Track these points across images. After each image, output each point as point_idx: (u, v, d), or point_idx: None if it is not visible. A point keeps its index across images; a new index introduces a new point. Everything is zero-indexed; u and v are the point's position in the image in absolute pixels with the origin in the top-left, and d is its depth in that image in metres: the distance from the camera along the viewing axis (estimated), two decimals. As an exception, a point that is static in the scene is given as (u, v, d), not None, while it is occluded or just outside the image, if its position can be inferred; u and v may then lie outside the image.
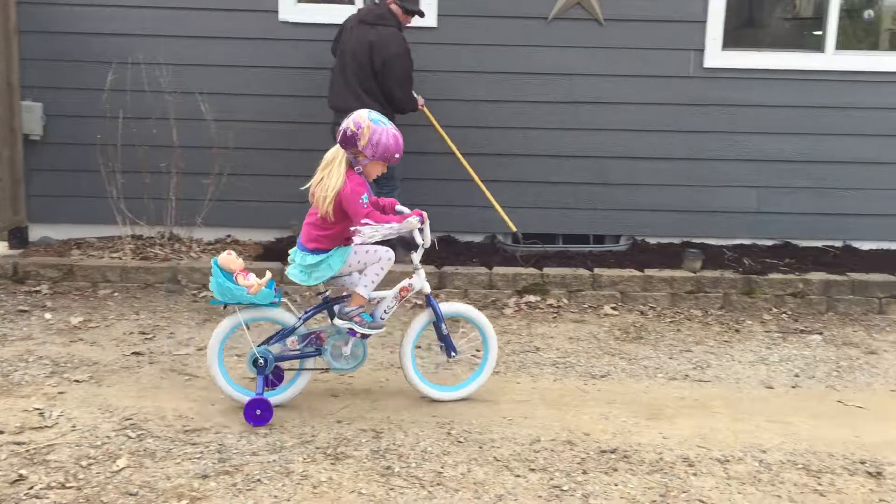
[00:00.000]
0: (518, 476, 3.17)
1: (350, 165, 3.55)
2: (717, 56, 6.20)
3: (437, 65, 6.07)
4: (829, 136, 6.30)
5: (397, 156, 3.57)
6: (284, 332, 3.65)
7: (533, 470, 3.22)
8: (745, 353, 4.70)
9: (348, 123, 3.51)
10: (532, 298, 5.44)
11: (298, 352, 3.66)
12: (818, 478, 3.25)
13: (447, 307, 3.86)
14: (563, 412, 3.81)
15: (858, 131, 6.28)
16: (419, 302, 5.00)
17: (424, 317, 3.82)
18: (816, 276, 5.54)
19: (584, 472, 3.21)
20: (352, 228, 3.49)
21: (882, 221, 6.36)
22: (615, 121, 6.30)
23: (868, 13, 6.47)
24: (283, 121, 6.23)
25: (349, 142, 3.51)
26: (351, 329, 3.63)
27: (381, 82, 5.50)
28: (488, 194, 5.97)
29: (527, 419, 3.71)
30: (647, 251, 6.18)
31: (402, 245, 4.18)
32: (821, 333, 5.06)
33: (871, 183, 6.33)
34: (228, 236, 6.36)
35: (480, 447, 3.40)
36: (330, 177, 3.49)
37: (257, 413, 3.51)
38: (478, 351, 4.00)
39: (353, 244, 3.58)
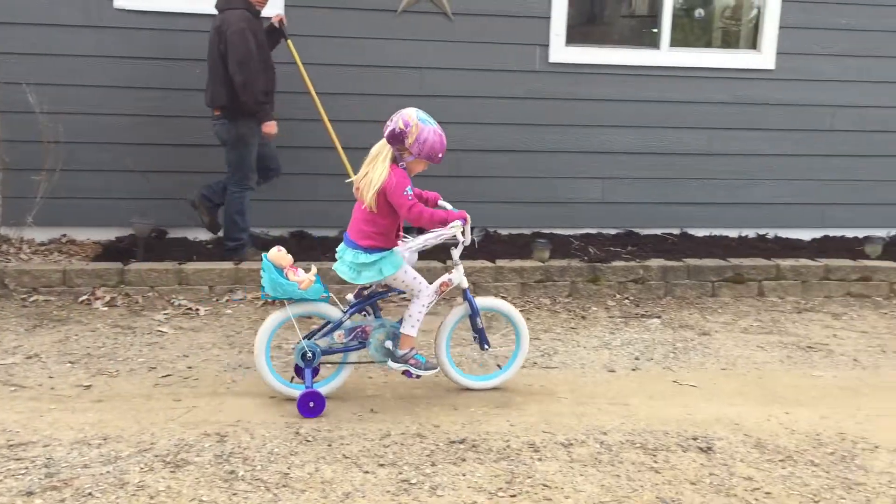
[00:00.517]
0: (367, 472, 3.15)
1: (394, 160, 3.61)
2: (561, 51, 6.39)
3: (284, 56, 5.94)
4: (665, 128, 6.62)
5: (440, 155, 3.66)
6: (332, 327, 3.72)
7: (382, 465, 3.21)
8: (590, 338, 4.88)
9: (397, 121, 3.59)
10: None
11: (343, 345, 3.74)
12: (654, 455, 3.40)
13: (482, 301, 3.98)
14: (415, 405, 3.82)
15: (691, 124, 6.64)
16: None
17: (460, 310, 3.93)
18: (655, 262, 5.82)
19: (433, 465, 3.23)
20: (399, 241, 3.64)
21: (714, 209, 6.76)
22: (466, 114, 6.37)
23: (699, 12, 6.84)
24: (122, 113, 5.93)
25: (397, 139, 3.58)
26: (407, 371, 3.75)
27: (227, 69, 5.33)
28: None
29: (378, 414, 3.70)
30: (499, 242, 6.29)
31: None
32: (659, 317, 5.32)
33: (704, 173, 6.71)
34: (64, 236, 6.00)
35: (329, 445, 3.36)
36: (374, 170, 3.56)
37: (311, 405, 3.60)
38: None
39: (405, 258, 3.69)
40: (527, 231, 6.56)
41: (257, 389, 3.84)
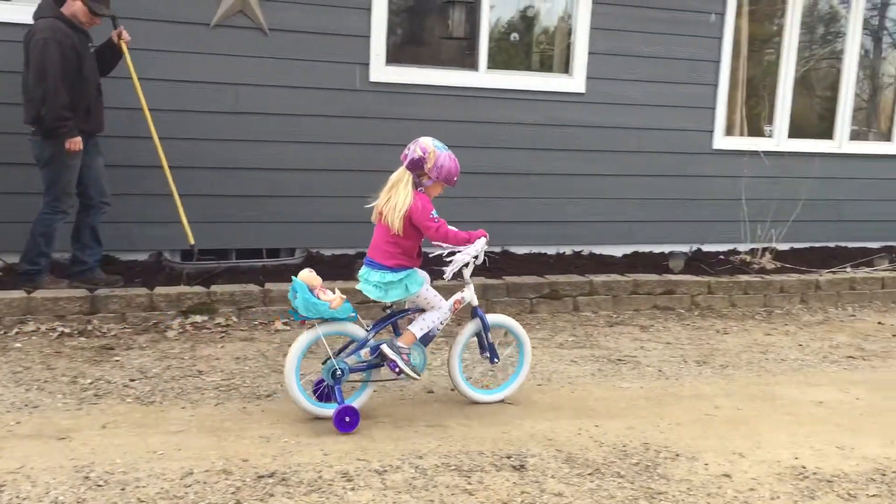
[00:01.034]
0: (164, 516, 2.93)
1: (414, 185, 3.80)
2: (381, 71, 6.37)
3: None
4: (486, 149, 6.74)
5: (455, 178, 3.89)
6: (358, 345, 3.84)
7: (182, 507, 3.00)
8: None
9: (414, 149, 3.80)
10: (198, 318, 5.16)
11: (368, 363, 3.85)
12: (469, 477, 3.39)
13: (492, 318, 4.19)
14: (222, 439, 3.61)
15: (510, 145, 6.80)
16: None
17: (471, 327, 4.13)
18: (476, 280, 5.88)
19: (238, 503, 3.05)
20: (445, 258, 3.87)
21: (534, 228, 6.95)
22: (286, 133, 6.22)
23: (514, 35, 7.04)
24: None
25: (416, 165, 3.79)
26: (394, 361, 3.81)
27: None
28: (180, 208, 5.55)
29: (181, 451, 3.46)
30: (321, 263, 6.16)
31: None
32: (480, 335, 5.37)
33: (523, 192, 6.89)
34: None
35: (123, 489, 3.10)
36: (398, 196, 3.76)
37: (346, 420, 3.69)
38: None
39: (426, 278, 3.92)
40: (351, 251, 6.47)
41: (46, 430, 3.50)
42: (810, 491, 3.45)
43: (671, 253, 6.92)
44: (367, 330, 3.88)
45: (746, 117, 7.67)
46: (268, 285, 5.44)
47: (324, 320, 3.73)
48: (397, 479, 3.33)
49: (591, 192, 7.08)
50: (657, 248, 7.27)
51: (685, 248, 7.28)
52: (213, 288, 5.34)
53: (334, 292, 3.77)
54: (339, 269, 5.93)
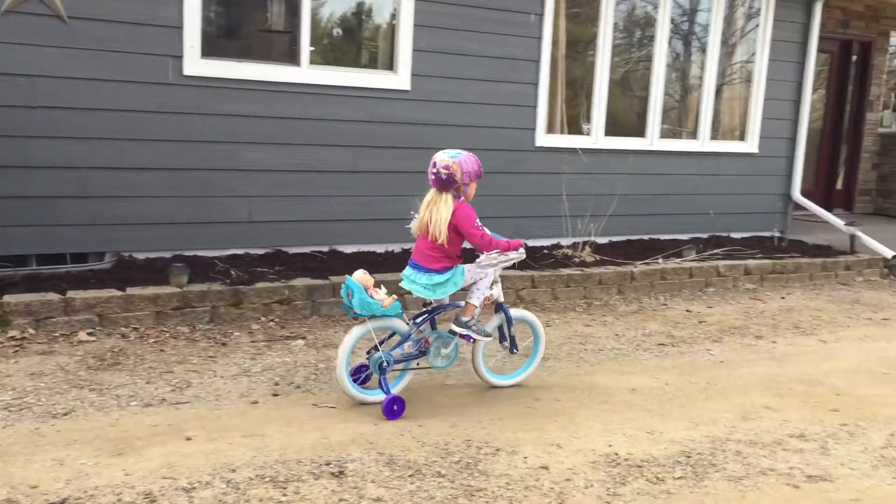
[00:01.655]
0: (-68, 558, 2.61)
1: (454, 196, 4.11)
2: (196, 64, 6.06)
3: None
4: (311, 146, 6.58)
5: (481, 169, 4.19)
6: (402, 339, 4.18)
7: (-46, 546, 2.68)
8: (229, 366, 4.62)
9: (439, 170, 4.07)
10: (-11, 332, 4.71)
11: (409, 355, 4.20)
12: (284, 488, 3.25)
13: (515, 313, 4.57)
14: (10, 464, 3.28)
15: (336, 142, 6.68)
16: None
17: (496, 320, 4.50)
18: (301, 281, 5.72)
19: (22, 535, 2.77)
20: (483, 257, 4.24)
21: (362, 226, 6.86)
22: (93, 128, 5.79)
23: (337, 31, 6.92)
24: None
25: (450, 181, 4.08)
26: (467, 335, 4.25)
27: None
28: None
29: (-42, 482, 3.11)
30: (133, 267, 5.79)
31: None
32: (304, 338, 5.22)
33: (350, 190, 6.79)
34: None
35: None
36: (439, 211, 4.08)
37: (395, 408, 4.01)
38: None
39: (464, 264, 4.23)
40: (167, 254, 6.13)
41: None
42: (622, 477, 3.56)
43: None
44: (408, 325, 4.23)
45: (567, 116, 7.93)
46: (70, 293, 5.04)
47: (374, 317, 4.08)
48: (206, 495, 3.14)
49: (418, 190, 7.00)
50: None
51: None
52: (6, 298, 4.87)
53: (381, 290, 4.15)
54: (154, 274, 5.59)
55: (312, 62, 6.53)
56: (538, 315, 6.01)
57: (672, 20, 8.30)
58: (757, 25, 8.73)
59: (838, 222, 8.86)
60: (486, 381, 4.57)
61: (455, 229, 4.09)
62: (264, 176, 6.43)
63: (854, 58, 11.33)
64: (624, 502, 3.34)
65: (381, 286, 4.18)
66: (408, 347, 4.20)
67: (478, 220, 4.14)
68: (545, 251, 7.38)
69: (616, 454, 3.80)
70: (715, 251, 7.76)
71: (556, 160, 7.61)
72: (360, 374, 4.26)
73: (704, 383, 4.89)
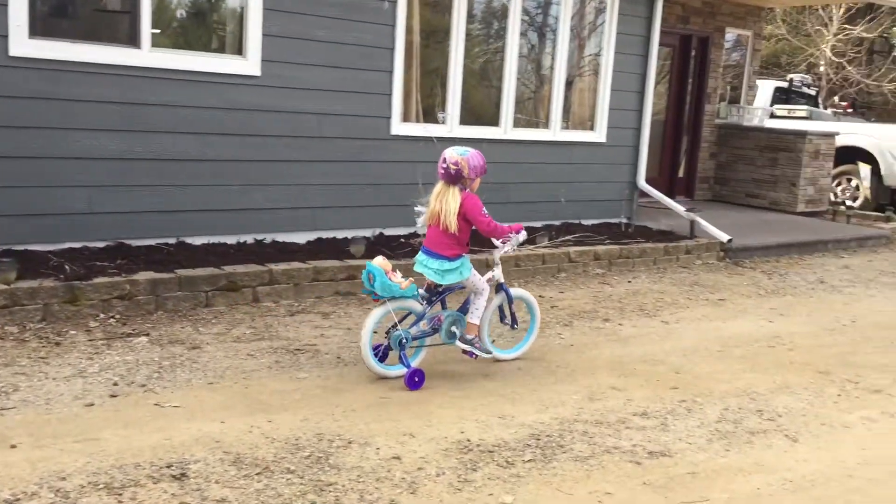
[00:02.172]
0: None
1: (461, 188, 4.54)
2: (24, 44, 5.63)
3: None
4: (155, 133, 6.26)
5: (486, 168, 4.62)
6: (418, 318, 4.59)
7: None
8: (63, 367, 4.33)
9: (448, 165, 4.51)
10: None
11: (423, 332, 4.61)
12: (120, 494, 3.07)
13: (514, 292, 5.04)
14: None
15: (183, 129, 6.38)
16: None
17: (498, 300, 4.94)
18: (144, 275, 5.44)
19: None
20: (496, 243, 4.76)
21: (212, 216, 6.60)
22: None
23: (182, 12, 6.61)
24: None
25: (458, 176, 4.52)
26: (471, 352, 4.71)
27: None
28: None
29: None
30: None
31: None
32: (147, 335, 4.97)
33: (199, 179, 6.51)
34: None
35: None
36: (447, 202, 4.50)
37: (416, 379, 4.43)
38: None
39: (471, 268, 4.70)
40: (-4, 248, 5.68)
41: None
42: (473, 463, 3.59)
43: (353, 238, 6.96)
44: (423, 305, 4.63)
45: (423, 104, 7.93)
46: None
47: (393, 298, 4.45)
48: (32, 507, 2.92)
49: (272, 179, 6.88)
50: (341, 234, 7.27)
51: (368, 233, 7.36)
52: None
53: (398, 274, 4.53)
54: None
55: (156, 45, 6.19)
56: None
57: (526, 12, 8.45)
58: (605, 20, 9.03)
59: (680, 209, 9.32)
60: (497, 357, 5.01)
61: (464, 217, 4.54)
62: (105, 164, 6.06)
63: (693, 52, 11.95)
64: (475, 488, 3.37)
65: (397, 270, 4.58)
66: (423, 325, 4.63)
67: (484, 209, 4.57)
68: (402, 240, 7.37)
69: (468, 440, 3.83)
70: (567, 238, 7.99)
71: (413, 149, 7.60)
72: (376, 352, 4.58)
73: (555, 366, 5.01)
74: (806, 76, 17.55)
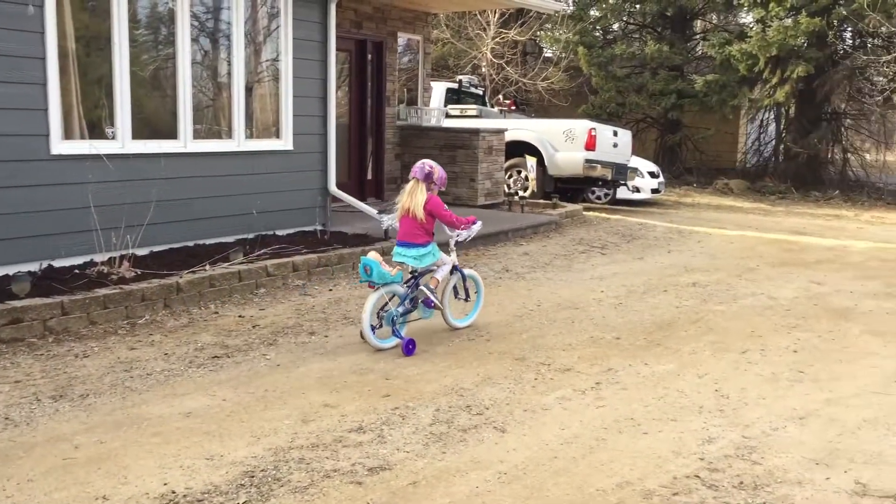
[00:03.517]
0: None
1: (427, 189, 5.76)
2: None
3: None
4: None
5: (446, 183, 6.03)
6: (402, 299, 5.69)
7: None
8: None
9: (423, 167, 5.75)
10: None
11: (406, 310, 5.70)
12: None
13: (466, 272, 6.26)
14: None
15: None
16: None
17: (453, 279, 6.17)
18: None
19: None
20: (452, 233, 6.09)
21: None
22: None
23: None
24: None
25: (429, 177, 5.76)
26: (428, 299, 5.82)
27: None
28: None
29: None
30: None
31: None
32: None
33: None
34: None
35: None
36: (416, 197, 5.68)
37: (410, 347, 5.49)
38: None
39: (439, 250, 5.98)
40: None
41: None
42: (181, 518, 3.23)
43: (14, 275, 6.07)
44: (405, 288, 5.71)
45: (87, 119, 7.14)
46: None
47: (385, 284, 5.50)
48: None
49: None
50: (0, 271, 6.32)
51: (33, 268, 6.48)
52: None
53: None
54: None
55: None
56: (71, 346, 5.42)
57: (196, 17, 7.97)
58: (280, 24, 8.83)
59: (372, 211, 9.42)
60: (452, 326, 6.14)
61: (430, 212, 5.71)
62: None
63: (370, 56, 12.18)
64: (185, 547, 3.03)
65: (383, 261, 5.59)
66: (407, 304, 5.68)
67: (445, 206, 5.85)
68: (77, 271, 6.57)
69: (173, 492, 3.46)
70: (263, 251, 7.68)
71: (79, 169, 6.81)
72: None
73: (263, 391, 4.75)
74: (473, 77, 18.75)
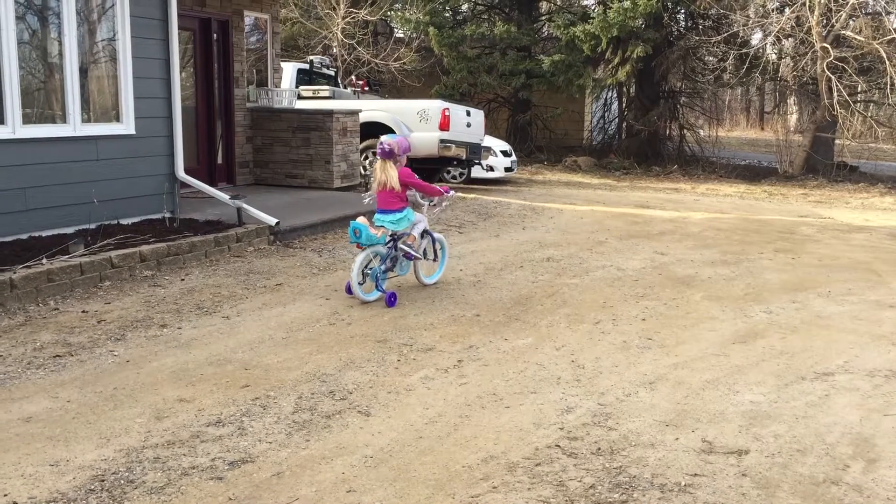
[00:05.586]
0: None
1: (394, 163, 6.59)
2: None
3: None
4: None
5: (410, 147, 6.85)
6: (383, 258, 6.53)
7: None
8: None
9: (384, 146, 6.56)
10: None
11: (389, 267, 6.58)
12: None
13: (435, 236, 7.13)
14: None
15: None
16: None
17: (425, 242, 6.99)
18: None
19: None
20: (424, 201, 7.09)
21: None
22: None
23: None
24: None
25: (391, 155, 6.57)
26: (409, 253, 6.64)
27: None
28: None
29: None
30: None
31: None
32: None
33: None
34: None
35: None
36: (388, 172, 6.53)
37: (392, 299, 6.38)
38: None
39: (414, 211, 6.87)
40: None
41: None
42: (25, 531, 3.01)
43: None
44: (386, 249, 6.54)
45: None
46: None
47: (371, 245, 6.42)
48: None
49: None
50: None
51: None
52: None
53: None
54: None
55: None
56: None
57: (17, -9, 7.38)
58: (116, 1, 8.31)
59: (224, 196, 9.10)
60: (423, 282, 7.00)
61: (405, 183, 6.57)
62: None
63: (216, 36, 11.71)
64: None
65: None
66: (388, 263, 6.52)
67: (416, 175, 6.73)
68: None
69: (14, 503, 3.21)
70: (107, 241, 7.25)
71: None
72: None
73: (112, 390, 4.49)
74: (324, 58, 18.43)
